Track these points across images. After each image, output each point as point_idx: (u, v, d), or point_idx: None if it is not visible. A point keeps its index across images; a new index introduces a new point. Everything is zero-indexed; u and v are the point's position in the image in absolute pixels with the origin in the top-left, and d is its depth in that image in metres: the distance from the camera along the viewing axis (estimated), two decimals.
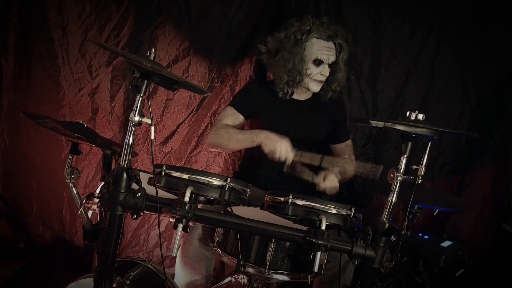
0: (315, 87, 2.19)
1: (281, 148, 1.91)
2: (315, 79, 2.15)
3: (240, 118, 2.20)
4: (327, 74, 2.15)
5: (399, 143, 1.35)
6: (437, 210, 2.02)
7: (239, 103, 2.22)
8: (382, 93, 2.56)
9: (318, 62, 2.12)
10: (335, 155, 2.33)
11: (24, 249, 2.55)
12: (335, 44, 2.14)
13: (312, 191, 2.14)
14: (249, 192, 1.44)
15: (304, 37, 2.10)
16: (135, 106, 1.25)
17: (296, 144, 2.21)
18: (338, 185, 2.01)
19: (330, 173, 2.00)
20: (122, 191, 1.28)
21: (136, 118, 1.25)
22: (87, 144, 1.64)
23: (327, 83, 2.23)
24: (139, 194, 1.29)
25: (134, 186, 1.30)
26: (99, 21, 2.44)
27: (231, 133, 2.09)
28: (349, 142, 2.35)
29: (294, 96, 2.27)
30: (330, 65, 2.15)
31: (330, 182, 1.98)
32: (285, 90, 2.20)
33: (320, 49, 2.11)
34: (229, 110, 2.22)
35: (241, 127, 2.22)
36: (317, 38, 2.10)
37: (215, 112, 2.56)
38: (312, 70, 2.13)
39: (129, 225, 2.58)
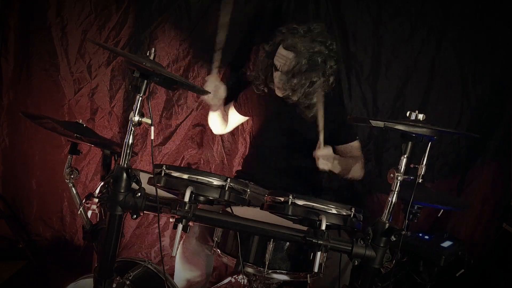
0: (278, 92, 2.17)
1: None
2: (275, 83, 2.15)
3: (237, 114, 2.40)
4: (279, 80, 2.10)
5: (400, 143, 1.35)
6: (442, 210, 2.02)
7: (238, 106, 2.37)
8: (383, 93, 2.56)
9: (275, 68, 2.12)
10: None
11: (24, 249, 2.54)
12: (293, 51, 2.05)
13: (313, 191, 2.14)
14: (249, 192, 1.44)
15: (274, 48, 2.13)
16: (135, 106, 1.25)
17: (290, 144, 2.23)
18: (330, 165, 1.95)
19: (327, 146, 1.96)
20: (122, 191, 1.28)
21: (136, 118, 1.25)
22: (87, 144, 1.63)
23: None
24: (139, 194, 1.29)
25: (134, 186, 1.30)
26: (99, 21, 2.44)
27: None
28: (354, 144, 2.26)
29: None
30: (285, 73, 2.08)
31: (324, 150, 1.93)
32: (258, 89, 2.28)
33: (277, 55, 2.10)
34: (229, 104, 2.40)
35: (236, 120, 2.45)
36: (281, 45, 2.09)
37: None
38: (274, 74, 2.13)
39: (128, 225, 2.58)
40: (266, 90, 2.26)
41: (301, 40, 2.04)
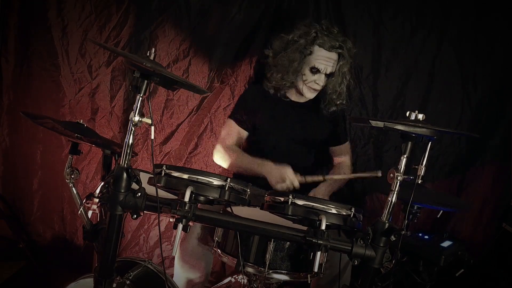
0: (309, 94, 2.20)
1: (286, 179, 1.97)
2: (309, 86, 2.17)
3: (243, 132, 2.27)
4: (322, 83, 2.16)
5: (399, 143, 1.35)
6: (441, 211, 2.03)
7: (241, 119, 2.26)
8: (383, 93, 2.56)
9: (315, 71, 2.13)
10: (333, 156, 2.36)
11: (24, 249, 2.54)
12: (338, 55, 2.13)
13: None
14: (249, 192, 1.44)
15: (307, 44, 2.10)
16: (135, 106, 1.25)
17: (295, 146, 2.23)
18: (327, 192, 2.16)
19: (319, 191, 2.12)
20: (122, 191, 1.28)
21: (136, 118, 1.25)
22: (87, 144, 1.64)
23: (326, 93, 2.23)
24: (139, 194, 1.29)
25: (134, 186, 1.30)
26: (99, 21, 2.44)
27: (237, 159, 2.16)
28: (347, 144, 2.38)
29: (294, 99, 2.29)
30: (327, 76, 2.16)
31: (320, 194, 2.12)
32: (272, 92, 2.25)
33: (319, 58, 2.11)
34: (232, 125, 2.27)
35: (244, 139, 2.29)
36: (319, 46, 2.10)
37: (215, 112, 2.55)
38: (308, 77, 2.14)
39: (129, 225, 2.58)
40: (287, 94, 2.26)
41: (344, 42, 2.12)
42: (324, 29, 2.11)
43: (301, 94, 2.22)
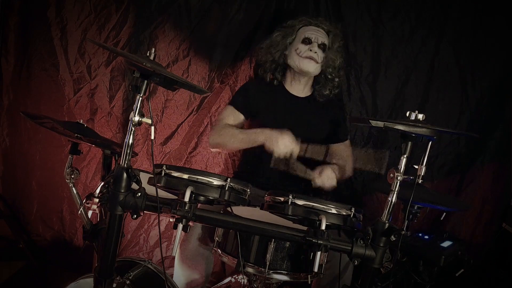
0: (308, 66, 2.17)
1: (285, 144, 1.89)
2: (305, 56, 2.16)
3: (241, 117, 2.22)
4: (316, 50, 2.17)
5: (399, 143, 1.35)
6: (444, 214, 2.02)
7: (239, 102, 2.24)
8: (382, 92, 2.56)
9: (307, 41, 2.18)
10: (333, 155, 2.33)
11: (24, 249, 2.54)
12: (324, 29, 2.22)
13: (313, 192, 2.14)
14: (249, 192, 1.44)
15: (295, 25, 2.21)
16: (135, 106, 1.25)
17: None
18: (335, 180, 1.99)
19: (327, 168, 1.98)
20: (122, 191, 1.28)
21: (136, 118, 1.25)
22: (87, 144, 1.64)
23: (321, 72, 2.24)
24: (139, 194, 1.29)
25: (134, 186, 1.30)
26: (99, 20, 2.44)
27: (233, 133, 2.10)
28: (347, 142, 2.35)
29: (294, 93, 2.29)
30: (320, 46, 2.19)
31: (327, 177, 1.96)
32: (265, 76, 2.28)
33: (307, 30, 2.20)
34: (229, 109, 2.24)
35: (241, 126, 2.24)
36: (305, 26, 2.21)
37: (215, 112, 2.56)
38: (301, 49, 2.17)
39: (129, 225, 2.58)
40: (279, 78, 2.28)
41: (330, 25, 2.24)
42: (310, 18, 2.23)
43: (299, 73, 2.21)
